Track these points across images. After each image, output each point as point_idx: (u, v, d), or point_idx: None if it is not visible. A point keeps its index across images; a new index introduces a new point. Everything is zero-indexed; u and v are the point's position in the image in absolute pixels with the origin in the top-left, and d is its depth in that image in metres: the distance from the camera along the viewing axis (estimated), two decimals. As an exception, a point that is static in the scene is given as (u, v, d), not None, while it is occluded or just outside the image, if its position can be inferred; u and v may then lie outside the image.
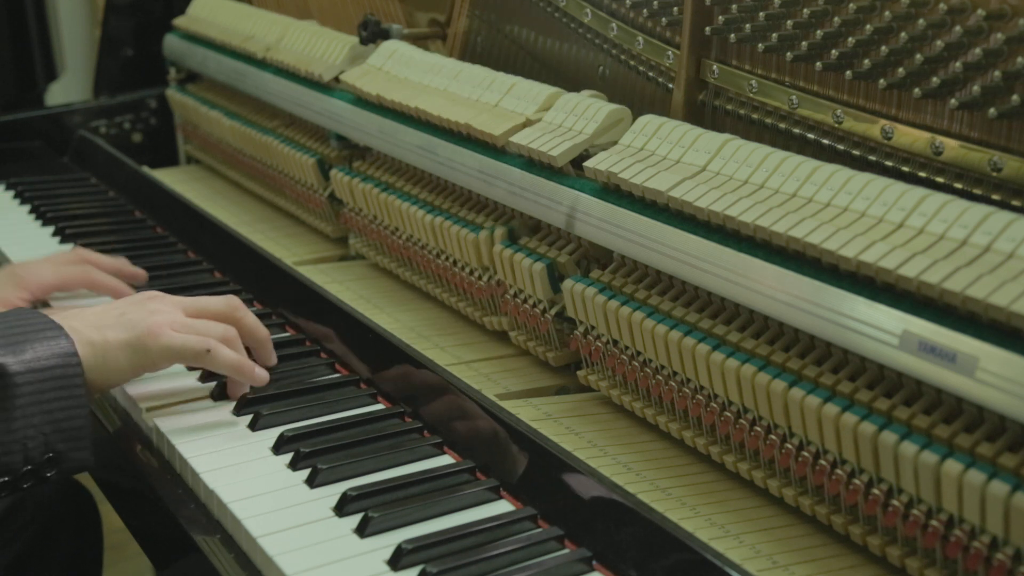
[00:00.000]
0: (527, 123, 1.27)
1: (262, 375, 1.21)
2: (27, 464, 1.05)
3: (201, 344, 1.17)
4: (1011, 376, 0.77)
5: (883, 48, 1.03)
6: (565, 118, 1.23)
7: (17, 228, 1.81)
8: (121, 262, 1.52)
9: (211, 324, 1.21)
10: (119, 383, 1.19)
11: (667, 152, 1.11)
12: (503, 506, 1.03)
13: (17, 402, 1.03)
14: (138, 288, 1.47)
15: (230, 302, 1.25)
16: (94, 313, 1.18)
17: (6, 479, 1.04)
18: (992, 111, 0.93)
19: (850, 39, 1.06)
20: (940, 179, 1.00)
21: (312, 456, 1.09)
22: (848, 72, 1.05)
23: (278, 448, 1.12)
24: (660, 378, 1.09)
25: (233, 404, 1.20)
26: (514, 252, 1.24)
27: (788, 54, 1.11)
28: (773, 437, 0.97)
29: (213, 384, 1.24)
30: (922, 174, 1.02)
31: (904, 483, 0.85)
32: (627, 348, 1.12)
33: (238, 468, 1.09)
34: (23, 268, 1.46)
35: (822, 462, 0.93)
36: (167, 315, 1.19)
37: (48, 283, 1.45)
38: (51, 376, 1.06)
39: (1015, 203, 0.94)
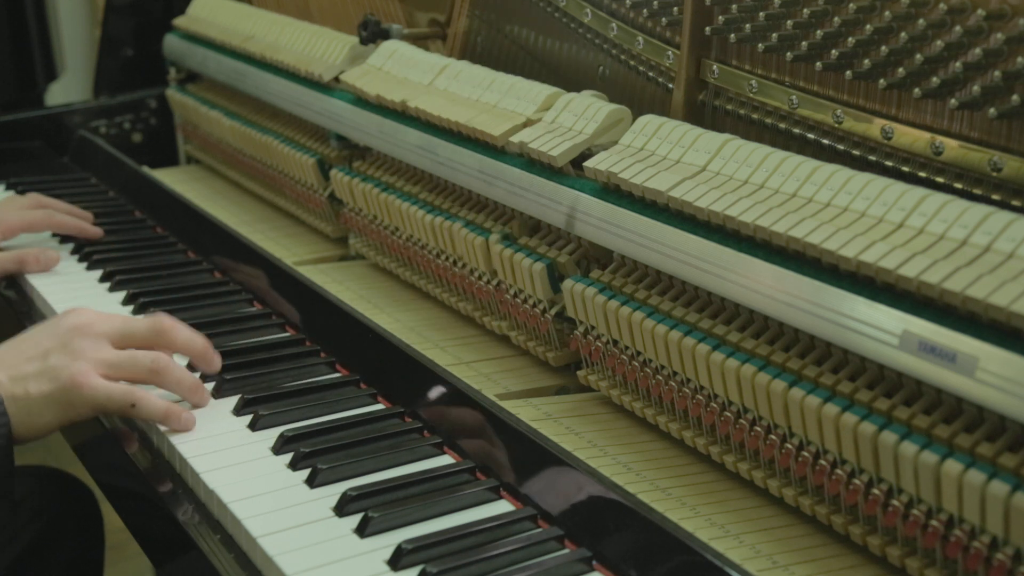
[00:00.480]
0: (527, 123, 1.27)
1: (189, 420, 1.16)
2: None
3: (126, 398, 1.13)
4: (1011, 376, 0.77)
5: (883, 48, 1.03)
6: (565, 118, 1.23)
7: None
8: (71, 206, 1.69)
9: (138, 356, 1.16)
10: (47, 433, 1.14)
11: (667, 152, 1.11)
12: (503, 506, 1.03)
13: None
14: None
15: (156, 324, 1.20)
16: (16, 355, 1.13)
17: None
18: (992, 111, 0.93)
19: (850, 39, 1.06)
20: (940, 179, 1.00)
21: (312, 456, 1.09)
22: (848, 72, 1.05)
23: (278, 448, 1.12)
24: (660, 378, 1.09)
25: (233, 404, 1.20)
26: (514, 252, 1.24)
27: (788, 54, 1.11)
28: (773, 437, 0.97)
29: (213, 384, 1.24)
30: (922, 174, 1.02)
31: (904, 483, 0.85)
32: (627, 348, 1.12)
33: (238, 468, 1.09)
34: None
35: (822, 462, 0.93)
36: (91, 356, 1.13)
37: (15, 224, 1.61)
38: None
39: (1015, 203, 0.94)
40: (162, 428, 1.16)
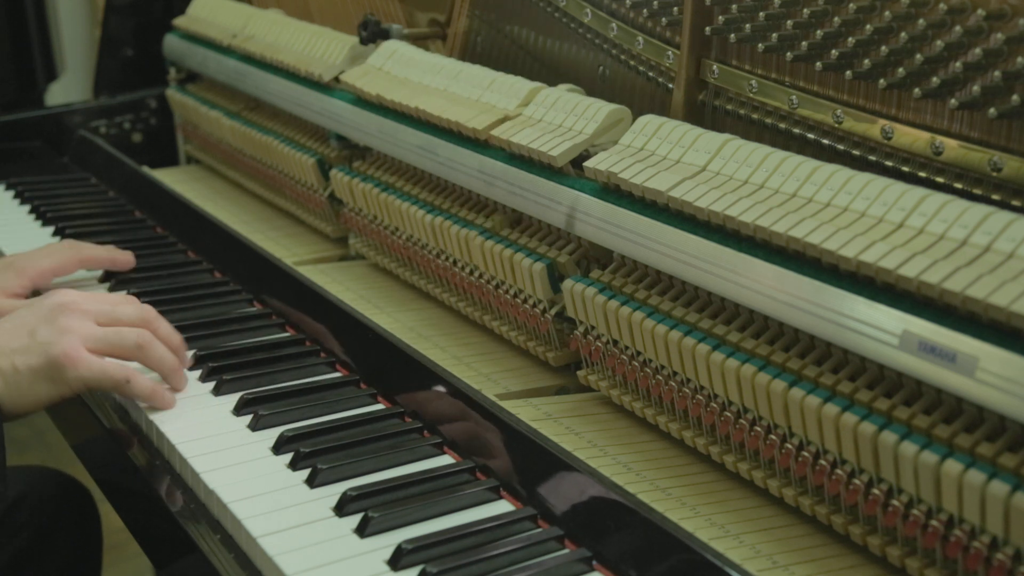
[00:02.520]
0: (506, 118, 1.27)
1: (171, 400, 1.19)
2: None
3: (120, 373, 1.14)
4: (1011, 376, 0.77)
5: (883, 48, 1.03)
6: (552, 115, 1.23)
7: (17, 228, 1.81)
8: (111, 249, 1.56)
9: (124, 331, 1.17)
10: (36, 409, 1.14)
11: (667, 152, 1.11)
12: (503, 506, 1.03)
13: None
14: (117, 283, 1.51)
15: (144, 313, 1.21)
16: (4, 333, 1.13)
17: None
18: (992, 111, 0.93)
19: (850, 39, 1.06)
20: (940, 179, 1.00)
21: (312, 456, 1.09)
22: (848, 72, 1.05)
23: (278, 448, 1.12)
24: (660, 378, 1.09)
25: (233, 404, 1.20)
26: (514, 252, 1.24)
27: (788, 54, 1.11)
28: (773, 437, 0.97)
29: (213, 384, 1.24)
30: (922, 174, 1.02)
31: (904, 483, 0.85)
32: (627, 348, 1.12)
33: (238, 468, 1.09)
34: (20, 258, 1.46)
35: (822, 462, 0.93)
36: (80, 331, 1.14)
37: (46, 268, 1.48)
38: None
39: (1015, 203, 0.94)
40: (150, 414, 1.18)
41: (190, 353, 1.29)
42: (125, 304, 1.22)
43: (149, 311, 1.23)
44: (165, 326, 1.23)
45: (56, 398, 1.14)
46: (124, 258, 1.56)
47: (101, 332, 1.16)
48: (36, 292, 1.45)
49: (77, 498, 1.59)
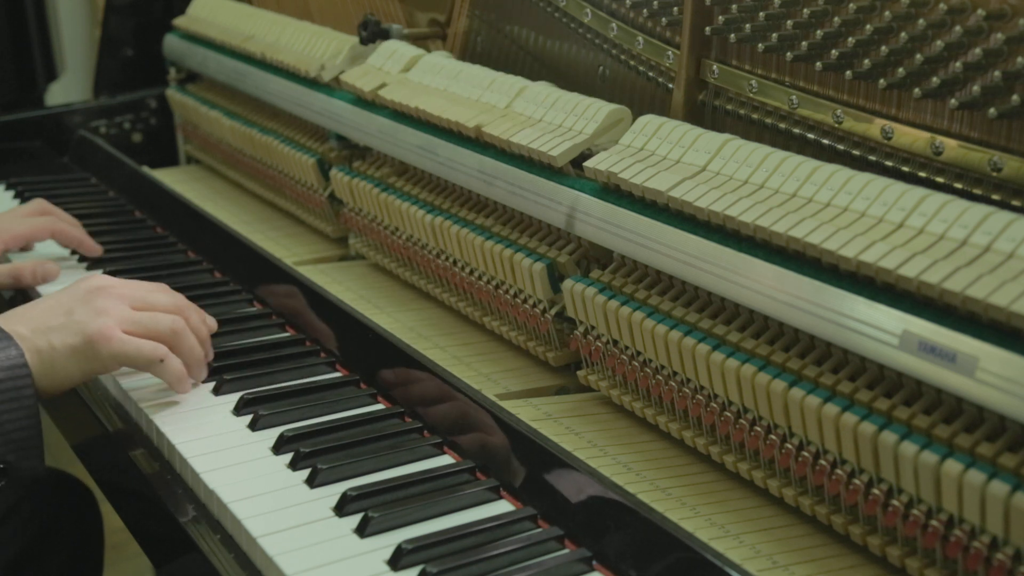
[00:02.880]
0: (506, 118, 1.27)
1: (189, 388, 1.21)
2: None
3: (155, 352, 1.16)
4: (1011, 376, 0.77)
5: (883, 48, 1.03)
6: (565, 118, 1.23)
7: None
8: (74, 221, 1.64)
9: (160, 317, 1.19)
10: (69, 387, 1.16)
11: (667, 152, 1.11)
12: (503, 506, 1.03)
13: None
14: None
15: (177, 301, 1.24)
16: (40, 313, 1.15)
17: None
18: (992, 111, 0.93)
19: (850, 39, 1.06)
20: (940, 179, 1.00)
21: (312, 456, 1.09)
22: (848, 72, 1.05)
23: (278, 448, 1.12)
24: (660, 378, 1.09)
25: (233, 404, 1.20)
26: (514, 252, 1.24)
27: (788, 54, 1.11)
28: (773, 437, 0.97)
29: (213, 383, 1.24)
30: (922, 174, 1.02)
31: (904, 483, 0.85)
32: (627, 348, 1.12)
33: (238, 468, 1.09)
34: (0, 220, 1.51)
35: (822, 462, 0.93)
36: (116, 313, 1.16)
37: (20, 233, 1.56)
38: (1, 389, 1.05)
39: (1015, 203, 0.94)
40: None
41: None
42: (159, 291, 1.25)
43: (181, 300, 1.25)
44: (196, 316, 1.25)
45: (89, 376, 1.16)
46: (91, 246, 1.61)
47: (137, 316, 1.18)
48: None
49: (78, 498, 1.59)
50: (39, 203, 1.65)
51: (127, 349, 1.15)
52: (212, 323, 1.28)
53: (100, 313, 1.15)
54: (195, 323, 1.23)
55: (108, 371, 1.18)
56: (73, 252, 1.65)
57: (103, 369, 1.16)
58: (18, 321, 1.13)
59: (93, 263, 1.62)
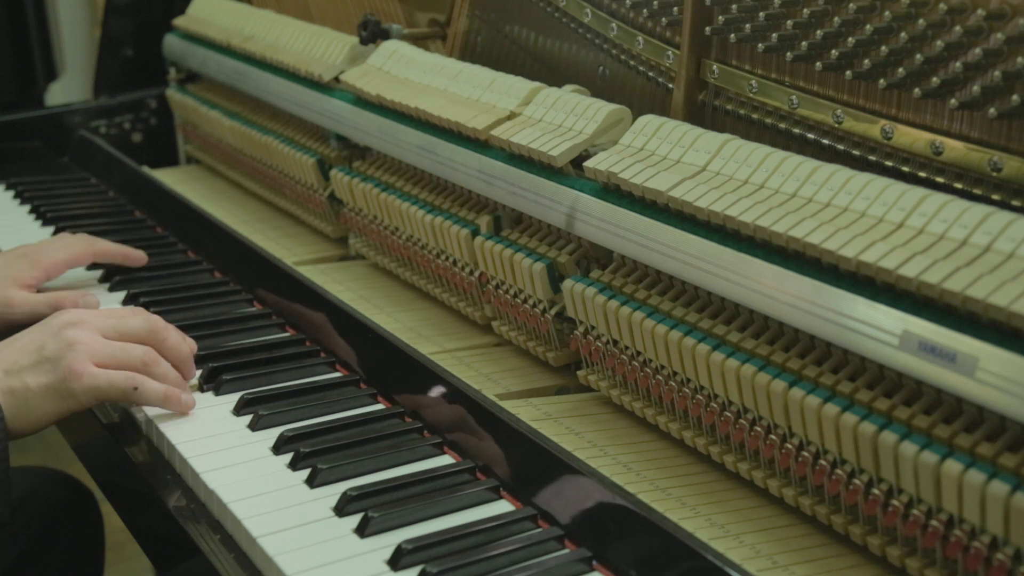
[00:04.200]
0: (506, 118, 1.27)
1: (189, 402, 1.18)
2: None
3: (128, 382, 1.14)
4: (1011, 376, 0.77)
5: (883, 48, 1.03)
6: (565, 118, 1.23)
7: (17, 228, 1.81)
8: (124, 248, 1.57)
9: (131, 348, 1.17)
10: (45, 426, 1.14)
11: (667, 152, 1.11)
12: (503, 506, 1.03)
13: None
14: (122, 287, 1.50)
15: (152, 324, 1.21)
16: (12, 353, 1.13)
17: None
18: (992, 111, 0.93)
19: (850, 39, 1.06)
20: (940, 179, 1.00)
21: (312, 456, 1.09)
22: (848, 72, 1.05)
23: (278, 448, 1.12)
24: (660, 378, 1.09)
25: (233, 404, 1.20)
26: (514, 252, 1.24)
27: (788, 54, 1.11)
28: (773, 437, 0.97)
29: (213, 384, 1.24)
30: (922, 174, 1.02)
31: (904, 483, 0.85)
32: (627, 348, 1.12)
33: (238, 468, 1.09)
34: (34, 248, 1.47)
35: (822, 462, 0.93)
36: (87, 345, 1.14)
37: (60, 260, 1.48)
38: None
39: (1015, 203, 0.94)
40: (150, 414, 1.18)
41: None
42: (133, 316, 1.22)
43: (157, 322, 1.22)
44: (174, 336, 1.22)
45: (65, 413, 1.14)
46: (136, 255, 1.57)
47: (109, 347, 1.16)
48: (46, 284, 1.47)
49: (79, 499, 1.59)
50: (82, 236, 1.57)
51: (99, 383, 1.12)
52: (191, 344, 1.25)
53: (71, 346, 1.13)
54: (172, 343, 1.21)
55: (84, 408, 1.15)
56: (93, 266, 1.58)
57: (78, 406, 1.14)
58: None
59: (93, 263, 1.57)
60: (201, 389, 1.24)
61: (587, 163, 1.15)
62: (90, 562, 1.60)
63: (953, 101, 0.97)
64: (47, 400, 1.11)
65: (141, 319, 1.21)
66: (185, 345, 1.23)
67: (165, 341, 1.21)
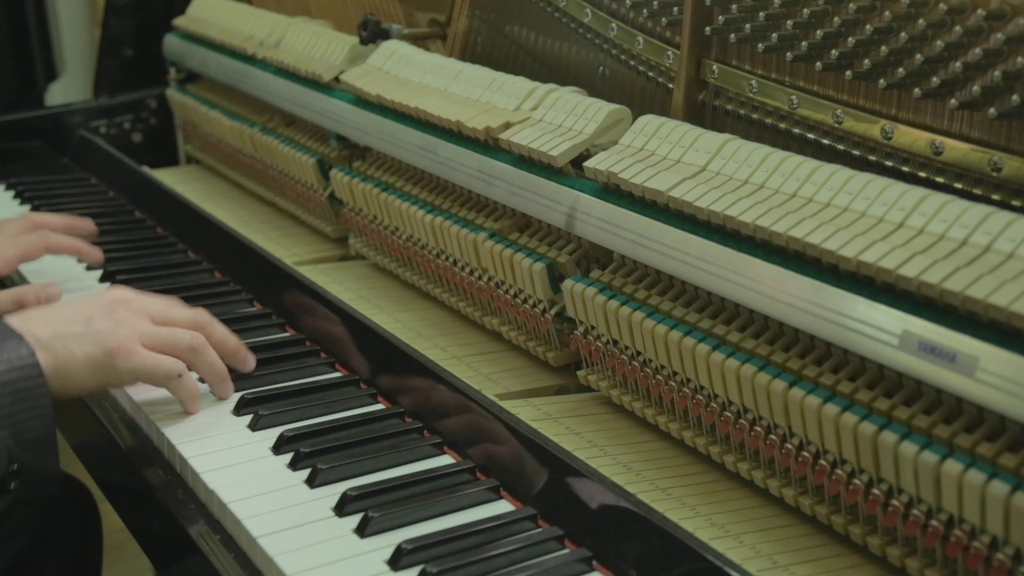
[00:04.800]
0: (506, 118, 1.27)
1: (198, 407, 1.19)
2: None
3: (173, 368, 1.15)
4: (1011, 376, 0.77)
5: (883, 48, 1.03)
6: (565, 118, 1.23)
7: (17, 228, 1.81)
8: (69, 218, 1.58)
9: (178, 332, 1.18)
10: (80, 396, 1.16)
11: (667, 152, 1.11)
12: (503, 506, 1.03)
13: None
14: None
15: (198, 316, 1.22)
16: (60, 319, 1.14)
17: None
18: (992, 111, 0.93)
19: (850, 39, 1.06)
20: (940, 179, 1.00)
21: (312, 456, 1.09)
22: (848, 72, 1.05)
23: (278, 448, 1.12)
24: (660, 378, 1.09)
25: (233, 404, 1.20)
26: (514, 252, 1.24)
27: (788, 54, 1.11)
28: (773, 437, 0.97)
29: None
30: (922, 174, 1.02)
31: (904, 483, 0.85)
32: (627, 348, 1.12)
33: (238, 468, 1.09)
34: None
35: (822, 462, 0.93)
36: (135, 326, 1.15)
37: (10, 257, 1.49)
38: (13, 389, 1.04)
39: (1015, 203, 0.94)
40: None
41: None
42: (180, 307, 1.24)
43: (203, 315, 1.23)
44: (220, 330, 1.23)
45: (102, 387, 1.16)
46: (90, 251, 1.57)
47: (156, 330, 1.17)
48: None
49: (78, 497, 1.59)
50: (26, 218, 1.58)
51: (146, 364, 1.14)
52: (234, 340, 1.25)
53: (120, 325, 1.14)
54: (218, 338, 1.22)
55: (123, 385, 1.17)
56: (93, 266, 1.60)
57: (118, 383, 1.15)
58: (36, 322, 1.12)
59: (107, 275, 1.58)
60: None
61: (587, 163, 1.15)
62: (89, 561, 1.60)
63: (953, 101, 0.97)
64: (87, 371, 1.11)
65: (188, 311, 1.23)
66: (233, 339, 1.24)
67: (212, 335, 1.22)
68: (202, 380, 1.21)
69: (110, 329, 1.13)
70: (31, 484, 1.07)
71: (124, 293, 1.21)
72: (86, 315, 1.15)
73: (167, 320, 1.20)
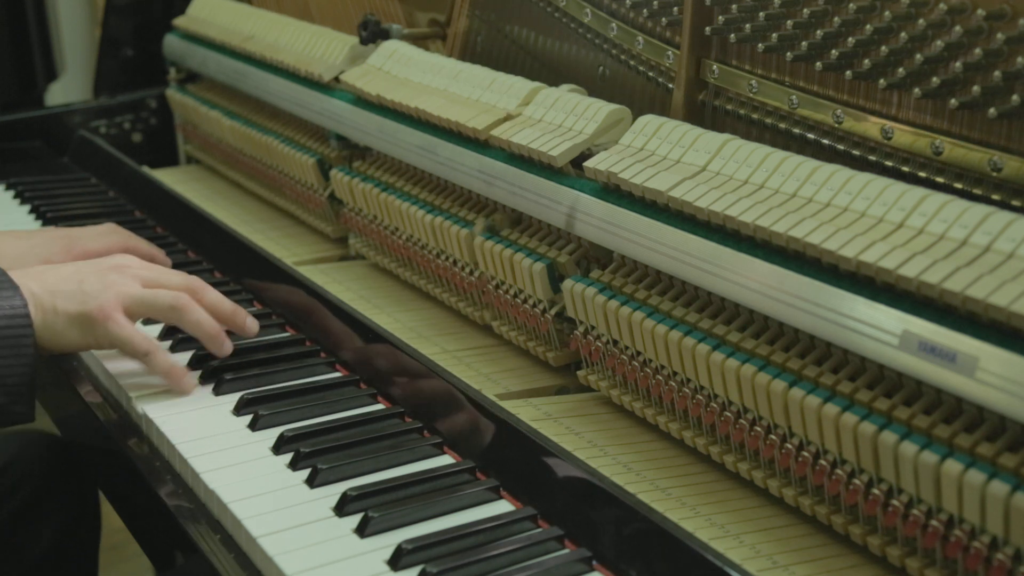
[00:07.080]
0: (506, 118, 1.27)
1: (190, 383, 1.23)
2: None
3: (144, 345, 1.20)
4: (1011, 376, 0.77)
5: (883, 48, 1.03)
6: (565, 118, 1.23)
7: (17, 228, 1.81)
8: (153, 246, 1.58)
9: (160, 292, 1.22)
10: (72, 350, 1.22)
11: (667, 152, 1.11)
12: (503, 506, 1.03)
13: None
14: None
15: (189, 282, 1.26)
16: (56, 277, 1.20)
17: None
18: (992, 111, 0.93)
19: (850, 39, 1.06)
20: (940, 179, 1.00)
21: (312, 456, 1.09)
22: (848, 72, 1.05)
23: (278, 448, 1.12)
24: (660, 378, 1.09)
25: (233, 404, 1.20)
26: (514, 252, 1.24)
27: (788, 54, 1.11)
28: (773, 437, 0.97)
29: (213, 383, 1.24)
30: (922, 174, 1.02)
31: (904, 483, 0.85)
32: (627, 348, 1.12)
33: (238, 468, 1.09)
34: (75, 234, 1.52)
35: (822, 462, 0.93)
36: (121, 289, 1.20)
37: (91, 250, 1.51)
38: (1, 336, 1.11)
39: (1015, 203, 0.94)
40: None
41: (189, 354, 1.29)
42: (175, 275, 1.28)
43: (195, 281, 1.27)
44: (213, 294, 1.27)
45: (88, 346, 1.22)
46: (162, 258, 1.56)
47: (139, 292, 1.22)
48: None
49: (68, 463, 1.54)
50: (109, 226, 1.58)
51: (120, 334, 1.18)
52: (234, 306, 1.28)
53: (107, 288, 1.19)
54: (211, 300, 1.25)
55: (103, 348, 1.22)
56: None
57: (97, 345, 1.21)
58: (33, 278, 1.18)
59: None
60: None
61: (587, 163, 1.15)
62: (85, 531, 1.56)
63: (953, 101, 0.97)
64: (70, 328, 1.17)
65: (181, 277, 1.27)
66: (228, 303, 1.27)
67: (203, 299, 1.25)
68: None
69: (96, 291, 1.19)
70: (2, 424, 1.13)
71: (122, 259, 1.26)
72: (81, 276, 1.20)
73: (158, 284, 1.24)
